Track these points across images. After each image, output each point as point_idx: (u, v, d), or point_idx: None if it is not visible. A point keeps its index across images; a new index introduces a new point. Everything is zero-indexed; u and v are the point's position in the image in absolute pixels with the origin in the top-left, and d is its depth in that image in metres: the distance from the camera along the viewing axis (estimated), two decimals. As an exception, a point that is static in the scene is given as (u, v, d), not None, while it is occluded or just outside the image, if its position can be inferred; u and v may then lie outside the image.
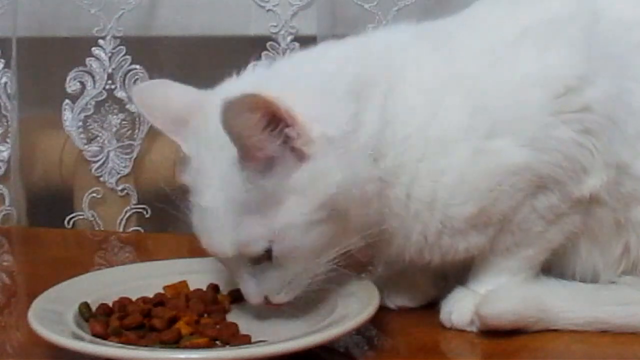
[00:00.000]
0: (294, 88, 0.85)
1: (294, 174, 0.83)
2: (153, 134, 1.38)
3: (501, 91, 0.88)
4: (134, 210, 1.38)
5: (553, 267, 0.95)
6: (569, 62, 0.88)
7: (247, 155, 0.82)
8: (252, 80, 0.89)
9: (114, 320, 0.89)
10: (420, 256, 0.91)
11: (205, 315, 0.93)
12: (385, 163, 0.87)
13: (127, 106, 1.37)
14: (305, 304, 0.92)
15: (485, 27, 0.92)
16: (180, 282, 0.98)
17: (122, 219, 1.38)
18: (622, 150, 0.89)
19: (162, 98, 0.93)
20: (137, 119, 1.37)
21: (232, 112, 0.79)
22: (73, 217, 1.39)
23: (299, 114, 0.82)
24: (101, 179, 1.38)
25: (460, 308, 0.92)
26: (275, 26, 1.33)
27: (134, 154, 1.38)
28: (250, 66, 0.91)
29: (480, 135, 0.87)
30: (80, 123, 1.38)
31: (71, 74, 1.37)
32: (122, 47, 1.36)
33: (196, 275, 0.99)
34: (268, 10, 1.34)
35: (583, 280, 0.94)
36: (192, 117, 0.89)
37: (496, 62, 0.89)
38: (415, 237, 0.90)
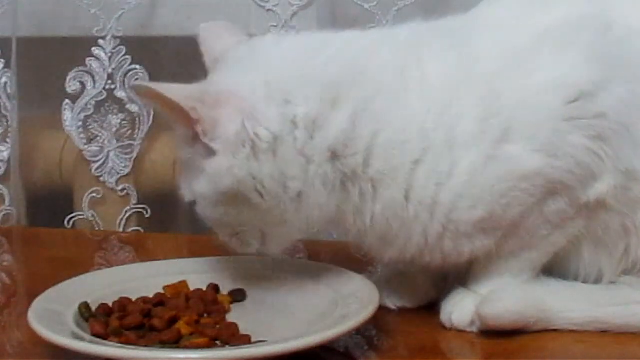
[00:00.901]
0: (261, 79, 0.88)
1: (205, 160, 0.87)
2: (153, 134, 1.38)
3: (516, 96, 0.87)
4: (134, 210, 1.38)
5: (555, 269, 0.95)
6: (584, 68, 0.87)
7: None
8: (260, 49, 0.92)
9: (114, 320, 0.89)
10: (421, 257, 0.91)
11: (205, 315, 0.93)
12: (359, 163, 0.88)
13: (127, 106, 1.37)
14: (305, 304, 0.93)
15: (497, 30, 0.91)
16: (180, 282, 0.98)
17: (122, 219, 1.38)
18: (632, 155, 0.89)
19: (213, 39, 0.96)
20: (137, 119, 1.37)
21: (138, 95, 0.89)
22: (73, 217, 1.39)
23: (218, 113, 0.86)
24: (101, 179, 1.38)
25: (460, 308, 0.92)
26: (275, 26, 1.33)
27: (134, 154, 1.38)
28: (275, 32, 1.00)
29: (493, 139, 0.86)
30: (80, 123, 1.38)
31: (71, 74, 1.37)
32: (122, 47, 1.36)
33: (196, 275, 0.99)
34: (268, 10, 1.34)
35: (586, 282, 0.94)
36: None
37: (511, 67, 0.88)
38: (416, 239, 0.89)
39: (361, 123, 0.87)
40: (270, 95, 0.87)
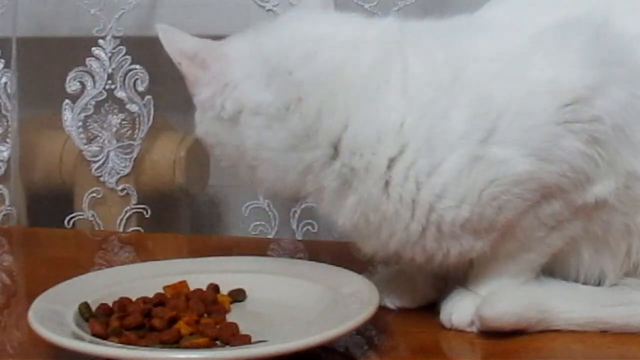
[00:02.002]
0: (255, 57, 0.92)
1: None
2: (153, 134, 1.38)
3: (508, 98, 0.86)
4: (134, 210, 1.38)
5: (555, 270, 0.94)
6: (580, 70, 0.86)
7: None
8: (279, 23, 0.96)
9: (114, 320, 0.89)
10: (404, 252, 0.90)
11: (205, 315, 0.93)
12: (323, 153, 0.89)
13: (127, 106, 1.37)
14: (305, 304, 0.93)
15: (495, 31, 0.91)
16: (180, 282, 0.98)
17: (122, 219, 1.38)
18: (631, 157, 0.88)
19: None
20: (137, 119, 1.37)
21: None
22: (73, 217, 1.39)
23: (200, 74, 0.93)
24: (101, 179, 1.38)
25: (460, 309, 0.92)
26: (275, 26, 1.33)
27: (134, 154, 1.38)
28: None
29: (480, 141, 0.85)
30: (80, 123, 1.38)
31: (71, 74, 1.37)
32: (122, 47, 1.36)
33: (196, 275, 0.99)
34: (268, 10, 1.34)
35: (587, 284, 0.94)
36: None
37: (505, 68, 0.87)
38: (398, 234, 0.89)
39: (326, 119, 0.88)
40: (253, 76, 0.91)
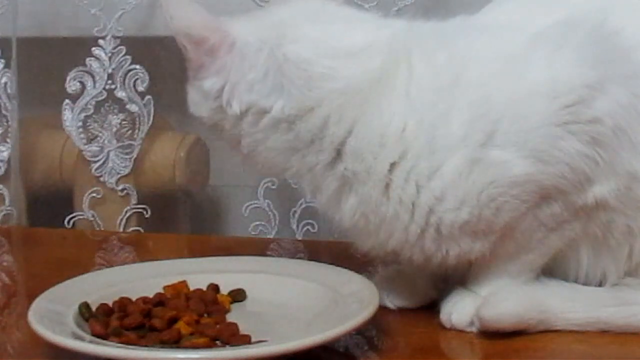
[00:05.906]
0: (273, 55, 0.88)
1: (190, 81, 0.93)
2: (153, 134, 1.38)
3: (507, 100, 0.86)
4: (134, 210, 1.38)
5: (555, 271, 0.94)
6: (578, 70, 0.86)
7: None
8: (299, 13, 0.93)
9: (114, 320, 0.89)
10: (402, 252, 0.91)
11: (205, 315, 0.93)
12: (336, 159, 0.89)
13: (127, 106, 1.37)
14: (305, 304, 0.93)
15: (495, 32, 0.90)
16: (180, 282, 0.98)
17: (122, 219, 1.38)
18: (631, 158, 0.88)
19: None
20: (137, 119, 1.37)
21: None
22: (73, 217, 1.39)
23: (208, 61, 0.90)
24: (101, 179, 1.38)
25: (460, 309, 0.92)
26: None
27: (134, 154, 1.38)
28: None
29: (478, 143, 0.85)
30: (80, 123, 1.38)
31: (71, 74, 1.37)
32: (122, 47, 1.36)
33: (196, 275, 0.99)
34: (268, 11, 1.33)
35: (588, 285, 0.94)
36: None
37: (503, 70, 0.87)
38: (397, 235, 0.89)
39: (333, 126, 0.88)
40: (268, 81, 0.89)
